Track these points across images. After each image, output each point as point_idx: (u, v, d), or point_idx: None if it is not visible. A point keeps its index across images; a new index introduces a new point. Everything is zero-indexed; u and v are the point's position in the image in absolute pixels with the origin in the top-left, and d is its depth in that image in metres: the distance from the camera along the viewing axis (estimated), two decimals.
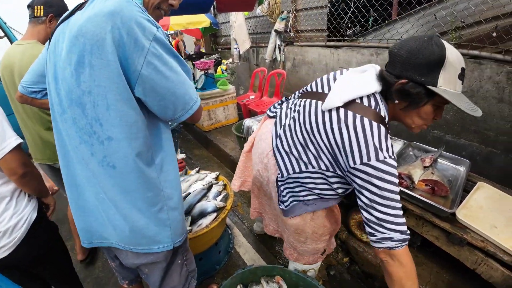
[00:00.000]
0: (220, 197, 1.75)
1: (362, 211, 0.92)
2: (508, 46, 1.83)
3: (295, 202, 1.16)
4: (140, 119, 0.77)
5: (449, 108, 2.20)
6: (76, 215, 0.94)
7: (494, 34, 1.88)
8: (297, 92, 1.28)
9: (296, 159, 1.06)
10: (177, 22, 5.16)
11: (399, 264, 0.90)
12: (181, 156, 2.46)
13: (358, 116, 0.86)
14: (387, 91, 0.91)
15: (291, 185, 1.13)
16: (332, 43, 3.31)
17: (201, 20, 5.30)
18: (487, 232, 1.31)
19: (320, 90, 1.05)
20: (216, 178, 2.02)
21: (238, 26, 4.60)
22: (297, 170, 1.07)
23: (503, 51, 1.86)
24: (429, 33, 2.32)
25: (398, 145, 2.05)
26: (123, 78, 0.71)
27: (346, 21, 3.13)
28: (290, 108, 1.17)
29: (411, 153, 2.05)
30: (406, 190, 1.55)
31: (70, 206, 0.94)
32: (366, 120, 0.85)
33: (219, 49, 6.57)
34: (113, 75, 0.70)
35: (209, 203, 1.64)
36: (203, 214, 1.61)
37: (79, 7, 0.77)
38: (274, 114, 1.38)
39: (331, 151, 0.94)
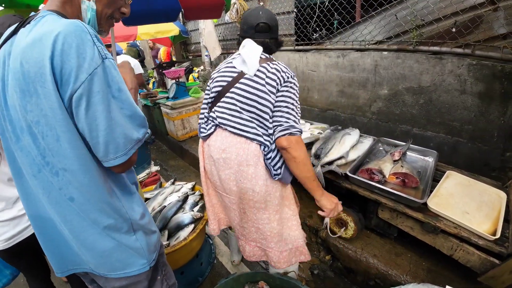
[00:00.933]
0: (197, 208, 1.71)
1: (279, 113, 1.21)
2: (467, 40, 1.96)
3: (283, 167, 1.28)
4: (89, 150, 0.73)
5: (414, 103, 2.33)
6: (45, 246, 0.87)
7: (454, 30, 2.01)
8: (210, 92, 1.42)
9: (252, 120, 1.25)
10: (145, 31, 5.04)
11: (300, 148, 1.19)
12: (155, 168, 2.39)
13: (272, 62, 1.27)
14: (266, 48, 1.30)
15: (269, 154, 1.24)
16: (300, 47, 3.39)
17: (170, 29, 5.21)
18: (459, 219, 1.35)
19: (229, 78, 1.29)
20: (193, 188, 1.98)
21: (207, 33, 4.59)
22: (262, 131, 1.25)
23: (463, 45, 1.99)
24: (391, 32, 2.47)
25: (368, 141, 2.14)
26: (64, 109, 0.66)
27: (312, 25, 3.23)
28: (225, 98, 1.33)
29: (381, 148, 2.14)
30: (377, 185, 1.61)
31: (37, 237, 0.88)
32: (276, 62, 1.27)
33: (190, 57, 6.51)
34: (55, 105, 0.64)
35: (185, 215, 1.60)
36: (180, 227, 1.56)
37: (22, 24, 0.70)
38: (206, 133, 1.37)
39: (271, 91, 1.21)
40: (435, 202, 1.47)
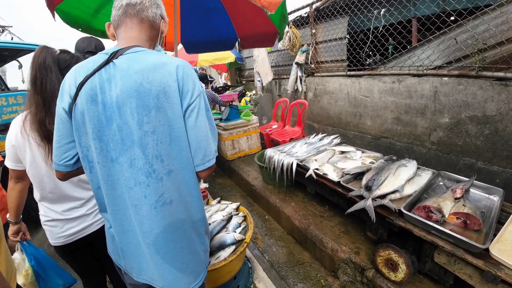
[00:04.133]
0: (239, 229, 1.74)
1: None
2: None
3: None
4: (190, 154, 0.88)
5: (479, 133, 2.08)
6: (127, 257, 0.97)
7: None
8: None
9: None
10: (205, 58, 5.56)
11: None
12: (204, 185, 2.51)
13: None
14: None
15: None
16: (352, 73, 3.34)
17: (227, 56, 5.66)
18: None
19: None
20: (237, 209, 2.03)
21: (261, 60, 4.84)
22: None
23: None
24: (451, 57, 2.28)
25: (426, 175, 1.94)
26: (182, 118, 0.83)
27: (365, 51, 3.17)
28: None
29: (441, 183, 1.92)
30: (435, 225, 1.44)
31: (120, 249, 0.97)
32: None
33: (244, 82, 6.88)
34: (176, 116, 0.81)
35: (228, 235, 1.64)
36: (222, 247, 1.60)
37: (113, 56, 0.82)
38: None
39: None
40: (498, 248, 1.30)
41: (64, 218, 1.27)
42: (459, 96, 2.20)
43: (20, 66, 4.42)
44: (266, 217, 2.92)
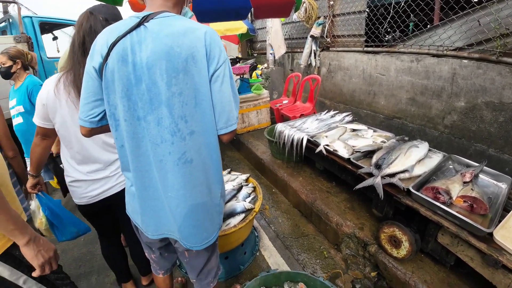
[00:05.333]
0: (249, 199, 1.79)
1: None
2: None
3: None
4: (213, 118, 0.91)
5: (493, 121, 2.03)
6: (145, 214, 1.03)
7: None
8: None
9: None
10: (216, 28, 5.38)
11: None
12: None
13: None
14: None
15: None
16: (370, 49, 3.22)
17: (239, 27, 5.46)
18: None
19: None
20: (246, 180, 2.08)
21: (274, 32, 4.67)
22: None
23: None
24: (473, 39, 2.17)
25: (437, 157, 1.94)
26: (208, 83, 0.86)
27: (385, 26, 3.02)
28: None
29: (450, 166, 1.92)
30: (443, 206, 1.47)
31: (139, 207, 1.03)
32: None
33: (255, 55, 6.70)
34: (203, 80, 0.84)
35: (238, 204, 1.70)
36: (232, 214, 1.67)
37: (145, 20, 0.84)
38: None
39: None
40: (501, 234, 1.32)
41: (88, 179, 1.34)
42: (477, 81, 2.12)
43: (55, 38, 4.74)
44: (273, 190, 2.99)
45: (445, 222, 1.46)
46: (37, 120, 1.26)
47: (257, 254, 2.14)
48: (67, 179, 1.36)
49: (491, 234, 1.33)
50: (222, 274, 1.94)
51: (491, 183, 1.73)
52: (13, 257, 0.94)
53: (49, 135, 1.31)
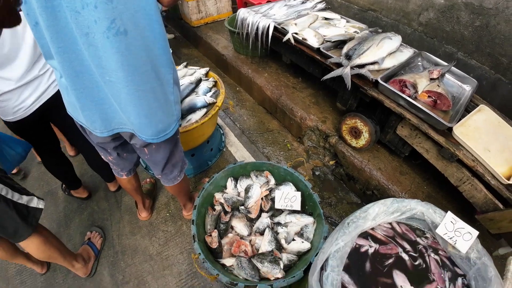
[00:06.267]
0: (210, 93, 1.63)
1: None
2: None
3: None
4: None
5: (469, 24, 1.92)
6: (85, 108, 0.86)
7: None
8: None
9: None
10: None
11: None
12: (169, 36, 2.20)
13: None
14: None
15: None
16: None
17: None
18: (479, 153, 1.30)
19: None
20: (206, 75, 1.86)
21: None
22: None
23: None
24: None
25: (408, 52, 1.86)
26: None
27: None
28: None
29: (419, 63, 1.89)
30: (408, 98, 1.47)
31: (76, 100, 0.85)
32: None
33: None
34: None
35: (198, 98, 1.54)
36: (192, 110, 1.52)
37: None
38: None
39: None
40: (460, 131, 1.39)
41: (16, 86, 1.11)
42: None
43: None
44: (238, 88, 2.82)
45: (407, 114, 1.49)
46: None
47: (224, 150, 2.15)
48: None
49: (449, 130, 1.38)
50: (191, 170, 1.96)
51: (456, 84, 1.75)
52: None
53: None
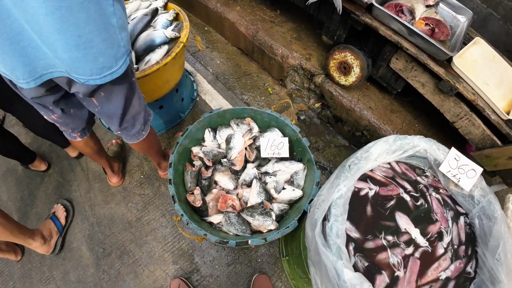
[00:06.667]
0: (171, 27, 1.32)
1: None
2: None
3: None
4: None
5: None
6: (6, 52, 0.63)
7: None
8: None
9: None
10: None
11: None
12: None
13: None
14: None
15: None
16: None
17: None
18: (480, 86, 1.21)
19: None
20: (165, 7, 1.51)
21: None
22: None
23: None
24: None
25: None
26: None
27: None
28: None
29: None
30: (406, 23, 1.27)
31: None
32: None
33: None
34: None
35: (156, 33, 1.23)
36: (150, 48, 1.23)
37: None
38: None
39: None
40: (460, 62, 1.26)
41: None
42: None
43: None
44: (206, 28, 2.44)
45: (405, 43, 1.32)
46: None
47: (197, 99, 1.90)
48: None
49: (449, 61, 1.26)
50: (162, 125, 1.72)
51: (450, 14, 1.57)
52: None
53: None
